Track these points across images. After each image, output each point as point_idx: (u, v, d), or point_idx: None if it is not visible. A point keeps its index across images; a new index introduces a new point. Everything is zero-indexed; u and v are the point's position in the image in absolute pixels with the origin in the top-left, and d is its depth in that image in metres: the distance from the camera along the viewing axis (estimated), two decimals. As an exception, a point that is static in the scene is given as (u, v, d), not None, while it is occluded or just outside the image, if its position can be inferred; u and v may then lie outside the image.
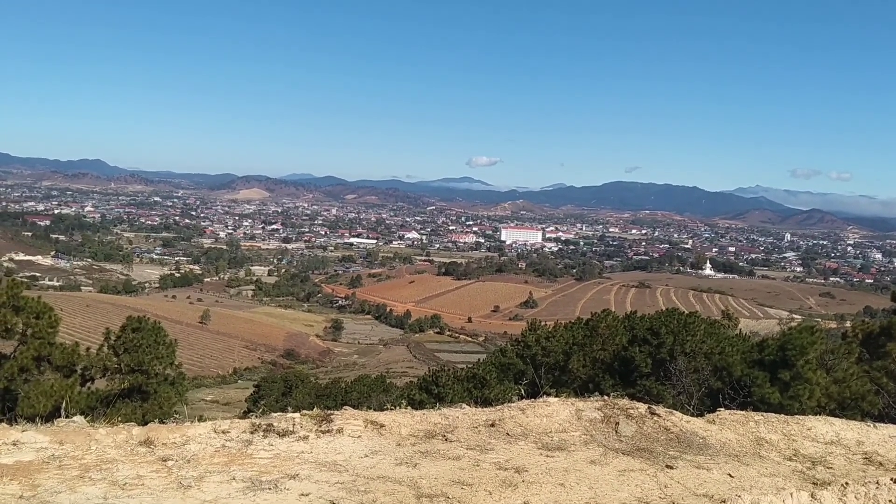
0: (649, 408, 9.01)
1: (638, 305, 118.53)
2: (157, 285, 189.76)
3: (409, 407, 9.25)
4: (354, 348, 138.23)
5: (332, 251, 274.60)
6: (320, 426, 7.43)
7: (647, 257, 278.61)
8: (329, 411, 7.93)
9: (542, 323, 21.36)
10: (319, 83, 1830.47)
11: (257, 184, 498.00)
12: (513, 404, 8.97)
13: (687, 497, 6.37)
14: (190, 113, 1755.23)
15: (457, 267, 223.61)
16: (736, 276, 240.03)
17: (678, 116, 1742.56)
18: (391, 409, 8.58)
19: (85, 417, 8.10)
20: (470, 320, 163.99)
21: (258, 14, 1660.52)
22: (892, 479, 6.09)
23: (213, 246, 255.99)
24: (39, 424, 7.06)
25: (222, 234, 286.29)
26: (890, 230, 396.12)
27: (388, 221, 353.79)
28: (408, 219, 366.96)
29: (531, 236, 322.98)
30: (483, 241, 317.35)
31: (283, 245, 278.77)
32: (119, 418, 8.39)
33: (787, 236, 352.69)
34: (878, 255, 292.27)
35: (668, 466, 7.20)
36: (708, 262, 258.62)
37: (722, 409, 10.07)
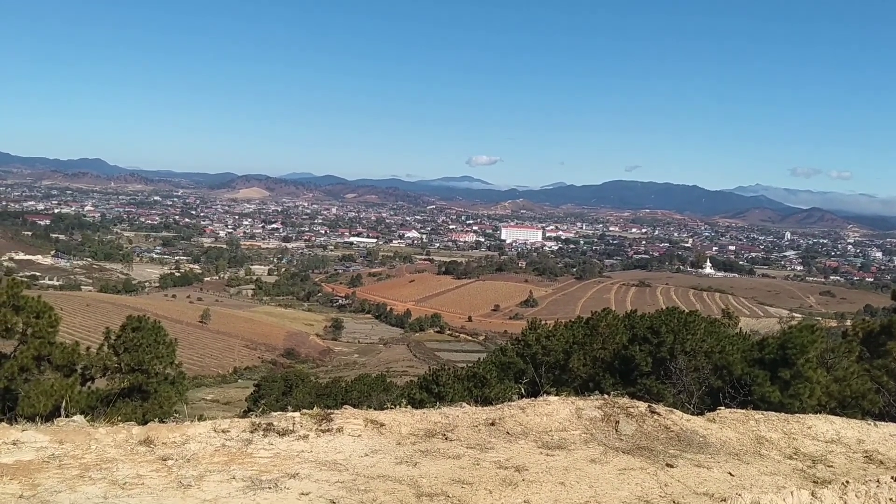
0: (649, 406, 9.01)
1: (638, 304, 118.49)
2: (157, 285, 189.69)
3: (409, 406, 9.25)
4: (354, 347, 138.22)
5: (332, 250, 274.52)
6: (320, 425, 7.43)
7: (647, 256, 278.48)
8: (329, 410, 7.93)
9: (543, 322, 21.34)
10: (319, 82, 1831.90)
11: (257, 183, 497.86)
12: (513, 403, 8.97)
13: (687, 495, 6.36)
14: (190, 112, 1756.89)
15: (457, 266, 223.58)
16: (736, 275, 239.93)
17: (678, 115, 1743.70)
18: (391, 409, 8.58)
19: (85, 417, 8.09)
20: (470, 319, 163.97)
21: (258, 13, 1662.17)
22: (892, 478, 6.08)
23: (213, 245, 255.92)
24: (39, 424, 7.06)
25: (222, 234, 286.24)
26: (890, 229, 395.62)
27: (388, 220, 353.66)
28: (408, 218, 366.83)
29: (531, 235, 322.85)
30: (483, 240, 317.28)
31: (283, 244, 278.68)
32: (119, 418, 8.39)
33: (788, 235, 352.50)
34: (879, 254, 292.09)
35: (668, 465, 7.20)
36: (708, 260, 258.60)
37: (722, 407, 10.07)
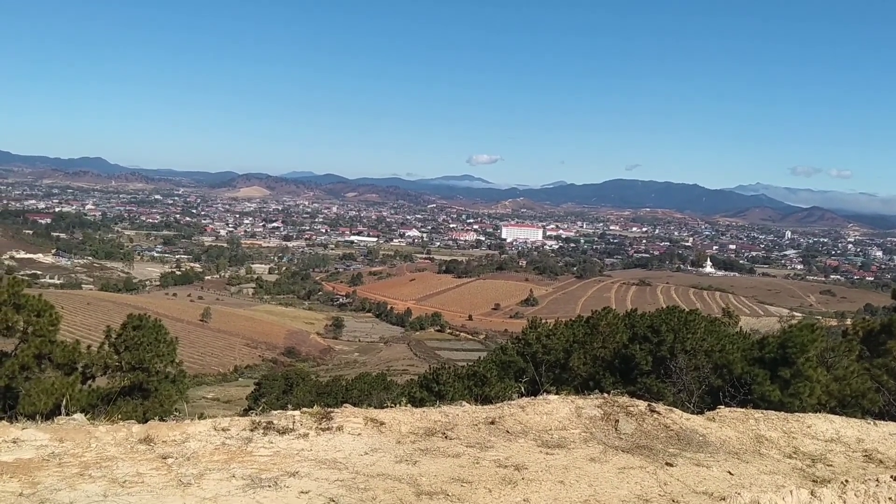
0: (649, 405, 9.01)
1: (638, 303, 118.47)
2: (157, 283, 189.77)
3: (409, 405, 9.25)
4: (355, 346, 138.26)
5: (332, 249, 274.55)
6: (320, 424, 7.43)
7: (647, 255, 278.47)
8: (329, 409, 7.93)
9: (543, 321, 21.36)
10: (320, 81, 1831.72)
11: (258, 182, 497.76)
12: (513, 402, 8.97)
13: (686, 494, 6.37)
14: (190, 111, 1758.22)
15: (457, 265, 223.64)
16: (736, 274, 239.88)
17: (679, 114, 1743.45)
18: (391, 407, 8.59)
19: (85, 415, 8.10)
20: (470, 318, 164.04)
21: (258, 12, 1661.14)
22: (892, 477, 6.08)
23: (213, 244, 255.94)
24: (40, 422, 7.06)
25: (223, 232, 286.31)
26: (890, 228, 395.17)
27: (388, 219, 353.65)
28: (408, 217, 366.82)
29: (532, 234, 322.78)
30: (484, 238, 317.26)
31: (284, 243, 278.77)
32: (119, 416, 8.40)
33: (788, 234, 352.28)
34: (879, 253, 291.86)
35: (667, 464, 7.20)
36: (708, 259, 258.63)
37: (722, 406, 10.07)
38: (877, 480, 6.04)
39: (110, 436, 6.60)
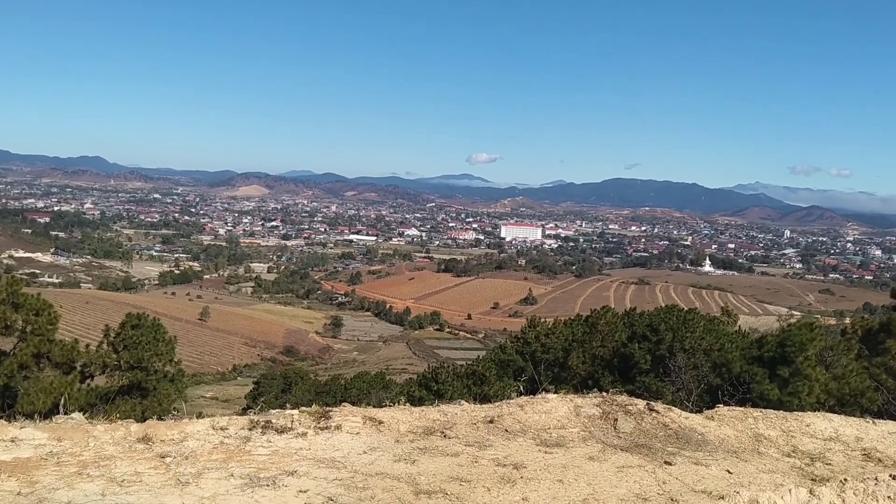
0: (648, 404, 9.01)
1: (637, 302, 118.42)
2: (156, 282, 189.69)
3: (408, 404, 9.25)
4: (354, 345, 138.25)
5: (331, 248, 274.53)
6: (319, 423, 7.43)
7: (646, 254, 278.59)
8: (328, 408, 7.93)
9: (542, 320, 21.35)
10: (319, 80, 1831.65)
11: (257, 181, 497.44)
12: (511, 401, 8.97)
13: (685, 493, 6.37)
14: (189, 110, 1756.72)
15: (456, 264, 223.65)
16: (735, 273, 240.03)
17: (678, 113, 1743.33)
18: (390, 406, 8.58)
19: (84, 414, 8.09)
20: (469, 317, 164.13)
21: (258, 11, 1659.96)
22: (890, 476, 6.09)
23: (212, 243, 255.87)
24: (38, 421, 7.05)
25: (222, 231, 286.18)
26: (889, 227, 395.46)
27: (387, 218, 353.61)
28: (407, 216, 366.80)
29: (531, 233, 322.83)
30: (483, 237, 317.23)
31: (283, 242, 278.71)
32: (118, 415, 8.39)
33: (787, 233, 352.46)
34: (878, 252, 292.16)
35: (666, 463, 7.20)
36: (707, 258, 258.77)
37: (721, 405, 10.07)
38: (875, 479, 6.04)
39: (108, 435, 6.60)
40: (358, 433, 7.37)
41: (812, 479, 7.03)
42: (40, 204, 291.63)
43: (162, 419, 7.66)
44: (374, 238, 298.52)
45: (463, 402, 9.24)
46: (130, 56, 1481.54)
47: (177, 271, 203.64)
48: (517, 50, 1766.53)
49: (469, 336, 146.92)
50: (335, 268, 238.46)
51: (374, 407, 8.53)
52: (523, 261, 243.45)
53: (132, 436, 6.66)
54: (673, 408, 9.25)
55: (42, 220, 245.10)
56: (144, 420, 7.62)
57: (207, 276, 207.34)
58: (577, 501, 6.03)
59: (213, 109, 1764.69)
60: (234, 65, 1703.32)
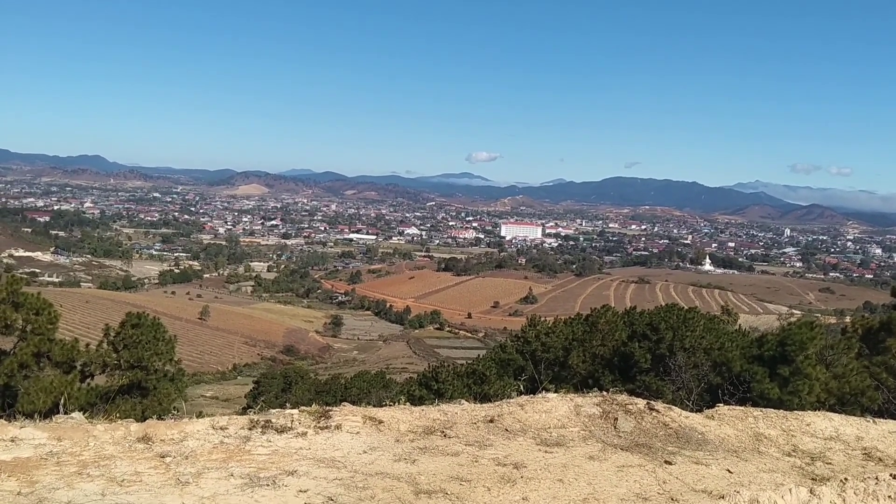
0: (648, 403, 9.01)
1: (637, 301, 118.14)
2: (156, 281, 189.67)
3: (408, 403, 9.24)
4: (354, 344, 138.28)
5: (331, 247, 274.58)
6: (319, 422, 7.43)
7: (646, 253, 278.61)
8: (328, 407, 7.93)
9: (542, 318, 21.32)
10: (319, 79, 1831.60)
11: (256, 179, 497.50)
12: (512, 400, 8.97)
13: (685, 493, 6.37)
14: (189, 108, 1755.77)
15: (456, 263, 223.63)
16: (735, 272, 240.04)
17: (678, 112, 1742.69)
18: (390, 406, 8.58)
19: (84, 414, 8.09)
20: (470, 316, 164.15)
21: (257, 10, 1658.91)
22: (891, 475, 6.07)
23: (212, 242, 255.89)
24: (38, 421, 7.05)
25: (221, 230, 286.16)
26: (890, 225, 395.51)
27: (387, 217, 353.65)
28: (407, 214, 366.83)
29: (531, 232, 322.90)
30: (483, 236, 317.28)
31: (283, 241, 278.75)
32: (118, 414, 8.39)
33: (787, 232, 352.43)
34: (878, 251, 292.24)
35: (666, 462, 7.20)
36: (707, 257, 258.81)
37: (721, 404, 10.07)
38: (876, 478, 6.03)
39: (108, 434, 6.59)
40: (358, 433, 7.37)
41: (812, 479, 7.03)
42: (40, 203, 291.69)
43: (162, 419, 7.66)
44: (374, 237, 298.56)
45: (463, 401, 9.24)
46: (130, 55, 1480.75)
47: (177, 270, 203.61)
48: (517, 49, 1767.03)
49: (469, 335, 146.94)
50: (335, 267, 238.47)
51: (374, 406, 8.53)
52: (523, 260, 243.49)
53: (132, 435, 6.65)
54: (673, 407, 9.25)
55: (42, 220, 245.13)
56: (144, 419, 7.62)
57: (207, 275, 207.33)
58: (578, 501, 6.03)
59: (212, 108, 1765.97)
60: (234, 64, 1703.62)
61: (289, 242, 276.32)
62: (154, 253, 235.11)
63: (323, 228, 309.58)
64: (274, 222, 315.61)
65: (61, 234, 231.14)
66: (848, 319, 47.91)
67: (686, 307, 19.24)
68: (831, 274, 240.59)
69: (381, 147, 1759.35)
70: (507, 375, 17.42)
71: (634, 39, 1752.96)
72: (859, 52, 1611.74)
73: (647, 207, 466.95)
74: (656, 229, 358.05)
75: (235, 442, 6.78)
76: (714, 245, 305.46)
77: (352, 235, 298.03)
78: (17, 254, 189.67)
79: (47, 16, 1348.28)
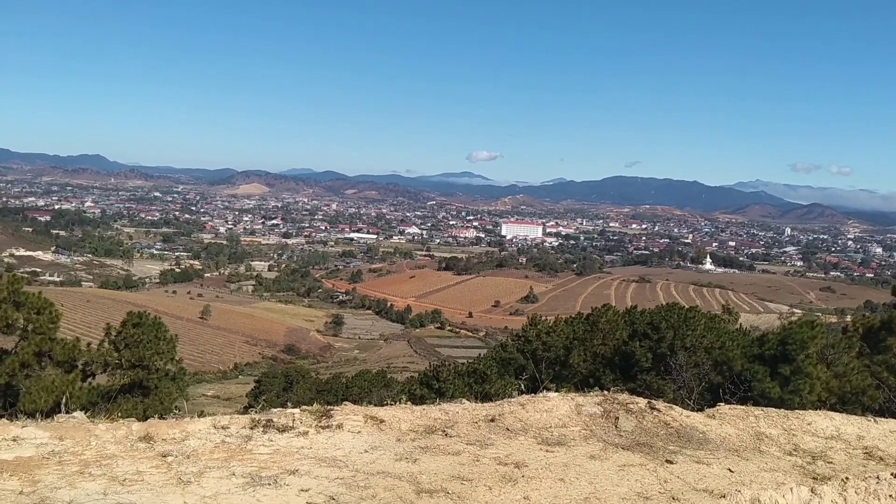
0: (649, 402, 9.01)
1: (638, 300, 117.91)
2: (157, 280, 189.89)
3: (409, 402, 9.25)
4: (355, 343, 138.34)
5: (332, 246, 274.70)
6: (320, 422, 7.43)
7: (647, 252, 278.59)
8: (329, 407, 7.93)
9: (543, 318, 21.33)
10: (319, 78, 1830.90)
11: (257, 179, 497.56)
12: (513, 399, 8.97)
13: (686, 492, 6.37)
14: (189, 108, 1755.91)
15: (457, 262, 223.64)
16: (736, 271, 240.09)
17: (678, 111, 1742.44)
18: (391, 405, 8.59)
19: (85, 413, 8.10)
20: (470, 315, 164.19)
21: (257, 9, 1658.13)
22: (892, 474, 6.08)
23: (213, 241, 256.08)
24: (40, 420, 7.05)
25: (222, 230, 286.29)
26: (890, 224, 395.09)
27: (388, 216, 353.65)
28: (408, 214, 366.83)
29: (531, 231, 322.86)
30: (483, 235, 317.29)
31: (284, 240, 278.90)
32: (119, 414, 8.40)
33: (788, 231, 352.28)
34: (879, 250, 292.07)
35: (667, 461, 7.20)
36: (708, 256, 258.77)
37: (722, 403, 10.08)
38: (877, 478, 6.03)
39: (110, 434, 6.60)
40: (359, 432, 7.37)
41: (813, 478, 7.03)
42: (41, 202, 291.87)
43: (163, 418, 7.66)
44: (375, 236, 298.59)
45: (464, 400, 9.24)
46: (130, 55, 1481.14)
47: (178, 270, 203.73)
48: (517, 48, 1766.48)
49: (470, 334, 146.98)
50: (336, 266, 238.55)
51: (375, 405, 8.54)
52: (524, 259, 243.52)
53: (134, 435, 6.66)
54: (674, 406, 9.25)
55: (43, 219, 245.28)
56: (146, 419, 7.62)
57: (208, 275, 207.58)
58: (579, 500, 6.03)
59: (212, 108, 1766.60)
60: (234, 63, 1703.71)
61: (290, 242, 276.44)
62: (155, 252, 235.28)
63: (324, 228, 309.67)
64: (275, 222, 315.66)
65: (62, 233, 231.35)
66: (849, 318, 47.90)
67: (687, 306, 19.24)
68: (832, 273, 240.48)
69: (382, 146, 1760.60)
70: (508, 374, 17.43)
71: (634, 39, 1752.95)
72: (859, 52, 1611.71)
73: (648, 206, 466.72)
74: (657, 228, 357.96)
75: (237, 441, 6.79)
76: (715, 244, 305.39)
77: (352, 235, 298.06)
78: (17, 253, 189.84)
79: (47, 15, 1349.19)
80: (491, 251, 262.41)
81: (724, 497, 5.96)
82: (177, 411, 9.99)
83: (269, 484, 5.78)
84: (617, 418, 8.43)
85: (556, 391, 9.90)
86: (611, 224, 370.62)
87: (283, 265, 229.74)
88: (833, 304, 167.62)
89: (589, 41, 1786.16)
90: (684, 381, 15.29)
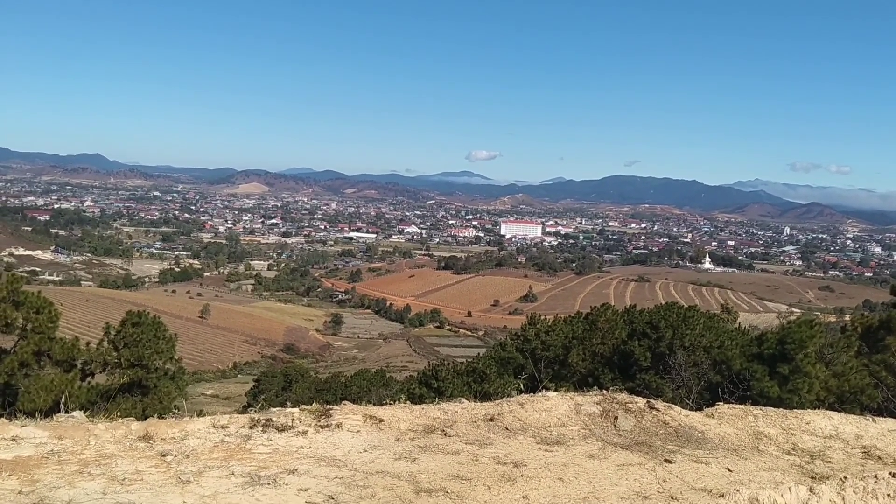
0: (648, 402, 9.02)
1: (637, 299, 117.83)
2: (156, 280, 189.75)
3: (408, 402, 9.26)
4: (354, 342, 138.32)
5: (331, 245, 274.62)
6: (319, 421, 7.43)
7: (646, 251, 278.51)
8: (328, 406, 7.94)
9: (542, 317, 21.32)
10: (319, 77, 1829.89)
11: (256, 178, 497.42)
12: (512, 399, 8.98)
13: (685, 491, 6.38)
14: (189, 107, 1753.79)
15: (456, 261, 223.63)
16: (735, 270, 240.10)
17: (677, 110, 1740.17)
18: (390, 404, 8.60)
19: (84, 412, 8.10)
20: (470, 314, 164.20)
21: (257, 8, 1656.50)
22: (890, 474, 6.09)
23: (212, 240, 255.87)
24: (39, 419, 7.05)
25: (222, 229, 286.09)
26: (889, 223, 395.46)
27: (387, 216, 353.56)
28: (407, 213, 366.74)
29: (531, 230, 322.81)
30: (483, 235, 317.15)
31: (283, 239, 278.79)
32: (118, 413, 8.40)
33: (787, 230, 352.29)
34: (878, 249, 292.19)
35: (666, 461, 7.21)
36: (707, 255, 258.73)
37: (721, 403, 10.09)
38: (875, 477, 6.05)
39: (109, 433, 6.60)
40: (358, 431, 7.38)
41: (812, 477, 7.04)
42: (40, 202, 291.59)
43: (163, 417, 7.67)
44: (374, 235, 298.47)
45: (463, 399, 9.26)
46: (130, 54, 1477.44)
47: (177, 269, 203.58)
48: (517, 48, 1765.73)
49: (469, 333, 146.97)
50: (335, 265, 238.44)
51: (374, 405, 8.55)
52: (523, 258, 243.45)
53: (133, 434, 6.66)
54: (673, 405, 9.26)
55: (42, 218, 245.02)
56: (145, 418, 7.63)
57: (208, 274, 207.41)
58: (578, 499, 6.04)
59: (212, 107, 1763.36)
60: (234, 63, 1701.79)
61: (289, 241, 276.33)
62: (154, 251, 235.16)
63: (323, 227, 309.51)
64: (274, 221, 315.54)
65: (61, 232, 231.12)
66: (847, 318, 47.93)
67: (686, 305, 19.25)
68: (831, 272, 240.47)
69: (382, 146, 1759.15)
70: (507, 374, 17.43)
71: (634, 39, 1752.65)
72: (859, 52, 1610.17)
73: (647, 206, 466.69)
74: (656, 228, 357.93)
75: (236, 441, 6.79)
76: (714, 243, 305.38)
77: (352, 234, 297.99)
78: (17, 252, 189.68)
79: (47, 15, 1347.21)
80: (490, 250, 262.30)
81: (722, 496, 5.97)
82: (176, 411, 10.00)
83: (269, 483, 5.78)
84: (616, 418, 8.44)
85: (555, 390, 9.92)
86: (610, 223, 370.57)
87: (283, 264, 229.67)
88: (832, 303, 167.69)
89: (588, 41, 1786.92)
90: (683, 381, 15.30)
